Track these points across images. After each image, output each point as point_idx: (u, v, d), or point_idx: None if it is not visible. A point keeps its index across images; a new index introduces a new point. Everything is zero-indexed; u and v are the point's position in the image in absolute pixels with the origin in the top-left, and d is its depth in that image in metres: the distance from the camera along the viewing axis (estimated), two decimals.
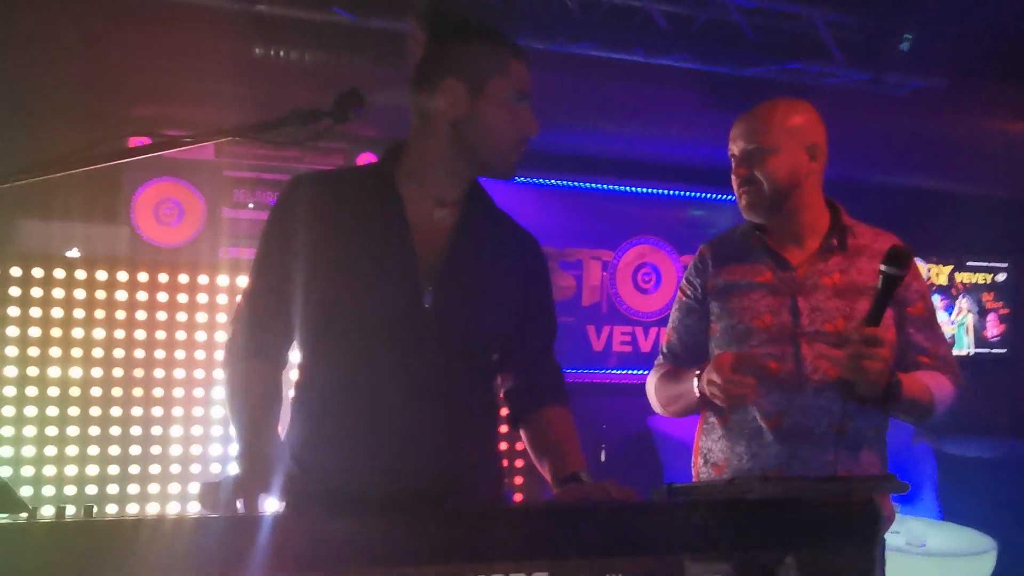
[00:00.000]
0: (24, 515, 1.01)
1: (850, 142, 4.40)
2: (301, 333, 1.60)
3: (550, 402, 1.68)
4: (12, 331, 2.77)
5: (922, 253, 5.27)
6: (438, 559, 1.03)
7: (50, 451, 2.78)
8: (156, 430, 2.86)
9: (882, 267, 1.73)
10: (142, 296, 2.87)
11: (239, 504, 1.31)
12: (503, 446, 3.02)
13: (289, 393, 1.67)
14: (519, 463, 3.11)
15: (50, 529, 0.99)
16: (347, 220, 1.57)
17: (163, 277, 2.89)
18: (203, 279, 2.94)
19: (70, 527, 1.01)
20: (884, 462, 2.00)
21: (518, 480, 3.15)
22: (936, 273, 5.33)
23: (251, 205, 4.22)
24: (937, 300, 5.26)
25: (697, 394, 1.90)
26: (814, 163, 1.95)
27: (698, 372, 1.90)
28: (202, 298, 2.93)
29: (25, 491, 2.73)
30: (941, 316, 5.26)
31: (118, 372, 2.83)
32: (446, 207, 1.62)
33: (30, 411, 2.77)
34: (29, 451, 2.75)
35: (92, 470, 2.81)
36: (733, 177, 1.98)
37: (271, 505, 1.39)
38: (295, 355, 1.66)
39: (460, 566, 1.02)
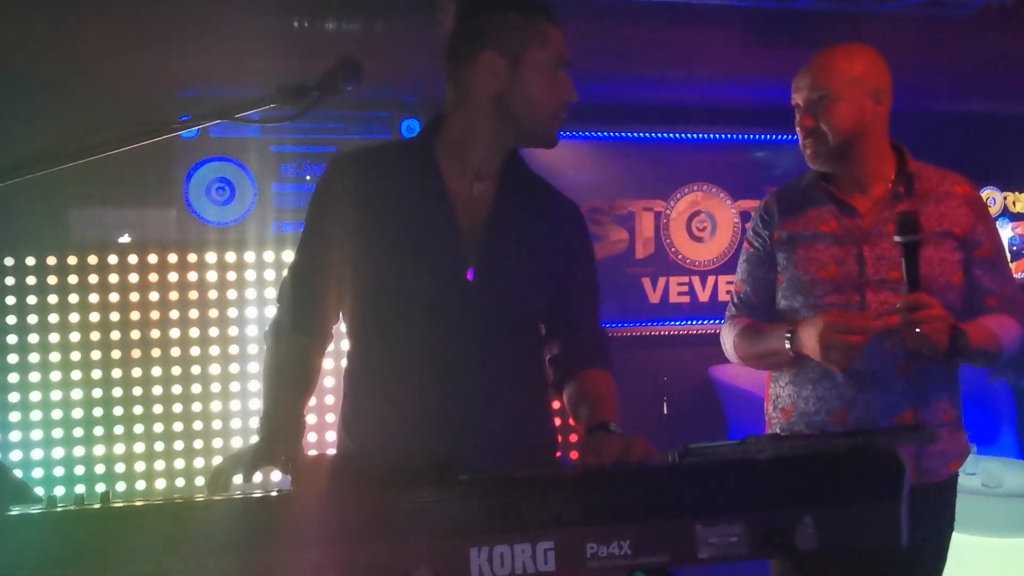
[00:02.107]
0: (40, 506, 1.04)
1: (914, 70, 4.17)
2: (349, 309, 1.63)
3: (592, 366, 1.67)
4: (74, 317, 2.88)
5: (1000, 181, 5.00)
6: (441, 532, 1.02)
7: (122, 429, 2.91)
8: (216, 406, 2.96)
9: (897, 238, 1.78)
10: (192, 276, 2.95)
11: (236, 479, 1.37)
12: (557, 405, 3.03)
13: (342, 365, 1.71)
14: (573, 437, 3.11)
15: (67, 517, 1.02)
16: (389, 196, 1.58)
17: (211, 257, 2.97)
18: (250, 256, 3.00)
19: (89, 514, 1.04)
20: (955, 401, 1.98)
21: (573, 456, 3.16)
22: (1013, 201, 5.06)
23: (308, 178, 4.28)
24: (1009, 230, 5.01)
25: (792, 355, 1.89)
26: (880, 107, 1.93)
27: (788, 333, 1.89)
28: (250, 275, 2.99)
29: (103, 468, 2.87)
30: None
31: (175, 351, 2.93)
32: (485, 180, 1.62)
33: (97, 393, 2.90)
34: (98, 430, 2.89)
35: (159, 446, 2.93)
36: (798, 128, 1.96)
37: (277, 477, 1.42)
38: (342, 328, 1.70)
39: (464, 538, 1.02)
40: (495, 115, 1.56)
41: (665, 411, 4.42)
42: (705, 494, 1.06)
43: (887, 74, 1.96)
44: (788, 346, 1.89)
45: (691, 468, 1.09)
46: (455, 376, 1.55)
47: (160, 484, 2.93)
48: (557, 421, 3.02)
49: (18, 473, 2.80)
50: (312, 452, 1.67)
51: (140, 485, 2.91)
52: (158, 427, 2.92)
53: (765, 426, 2.13)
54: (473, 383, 1.55)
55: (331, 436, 2.97)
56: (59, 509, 1.02)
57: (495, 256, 1.58)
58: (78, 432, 2.88)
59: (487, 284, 1.56)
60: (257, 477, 1.48)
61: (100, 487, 2.85)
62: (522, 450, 1.58)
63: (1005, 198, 5.04)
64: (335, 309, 1.65)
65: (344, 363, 1.69)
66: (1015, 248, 5.06)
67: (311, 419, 3.00)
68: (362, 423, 1.62)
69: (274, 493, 1.06)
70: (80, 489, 2.81)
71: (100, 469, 2.89)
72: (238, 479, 1.38)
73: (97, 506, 1.03)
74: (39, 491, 2.82)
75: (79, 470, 2.88)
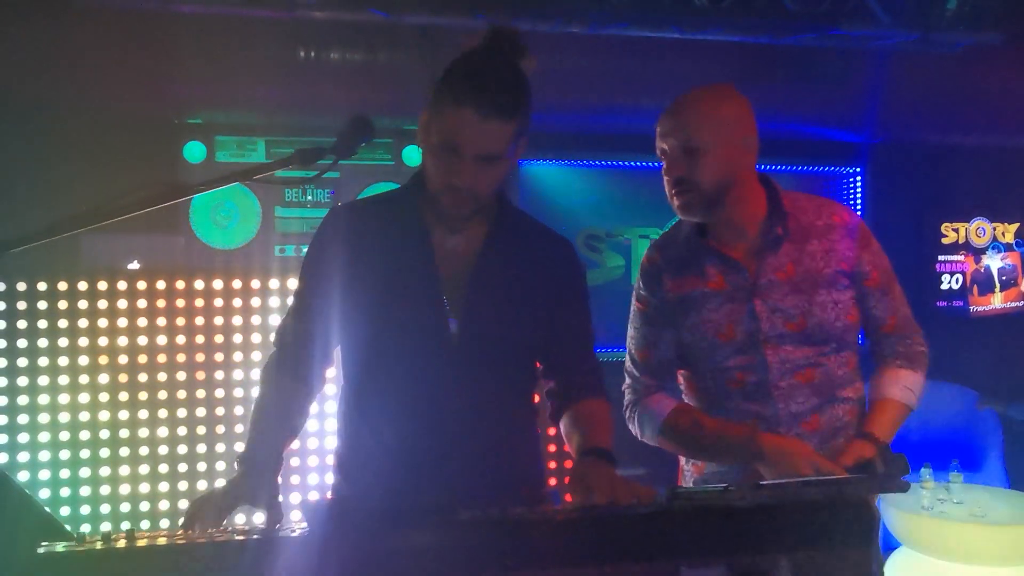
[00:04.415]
0: (70, 542, 1.11)
1: (904, 104, 4.28)
2: (342, 357, 1.71)
3: (588, 397, 1.72)
4: (83, 341, 2.95)
5: (989, 212, 5.10)
6: (441, 570, 1.10)
7: (128, 452, 2.98)
8: (220, 429, 3.03)
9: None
10: (199, 303, 3.02)
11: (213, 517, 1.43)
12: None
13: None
14: (569, 464, 3.18)
15: (97, 556, 1.09)
16: (379, 250, 1.65)
17: (218, 284, 3.04)
18: (255, 283, 3.07)
19: (118, 553, 1.10)
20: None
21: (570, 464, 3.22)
22: (1002, 232, 5.15)
23: (310, 198, 4.36)
24: (998, 260, 5.10)
25: (748, 458, 1.77)
26: (750, 154, 1.86)
27: (752, 449, 1.75)
28: (255, 301, 3.07)
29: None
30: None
31: (181, 376, 3.00)
32: (458, 233, 1.66)
33: (104, 415, 2.96)
34: (104, 453, 2.95)
35: (163, 468, 2.99)
36: (665, 177, 1.86)
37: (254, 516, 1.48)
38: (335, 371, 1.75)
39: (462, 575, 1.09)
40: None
41: None
42: (690, 537, 1.14)
43: (754, 119, 1.86)
44: (750, 460, 1.76)
45: (678, 512, 1.16)
46: (441, 420, 1.61)
47: (163, 505, 2.99)
48: (552, 447, 3.13)
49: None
50: (318, 496, 1.74)
51: (144, 507, 2.97)
52: (163, 450, 2.99)
53: (679, 478, 2.05)
54: (459, 426, 1.61)
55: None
56: (85, 548, 1.09)
57: (477, 306, 1.63)
58: (85, 454, 2.94)
59: (469, 334, 1.62)
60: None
61: (104, 508, 2.94)
62: (510, 486, 1.64)
63: (995, 228, 5.14)
64: (328, 357, 1.72)
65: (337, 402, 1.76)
66: (1004, 277, 5.15)
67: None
68: (355, 463, 1.70)
69: (291, 534, 1.13)
70: (85, 510, 2.89)
71: (105, 490, 2.95)
72: (214, 517, 1.44)
73: (123, 544, 1.10)
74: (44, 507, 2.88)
75: (85, 491, 2.94)
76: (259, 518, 1.55)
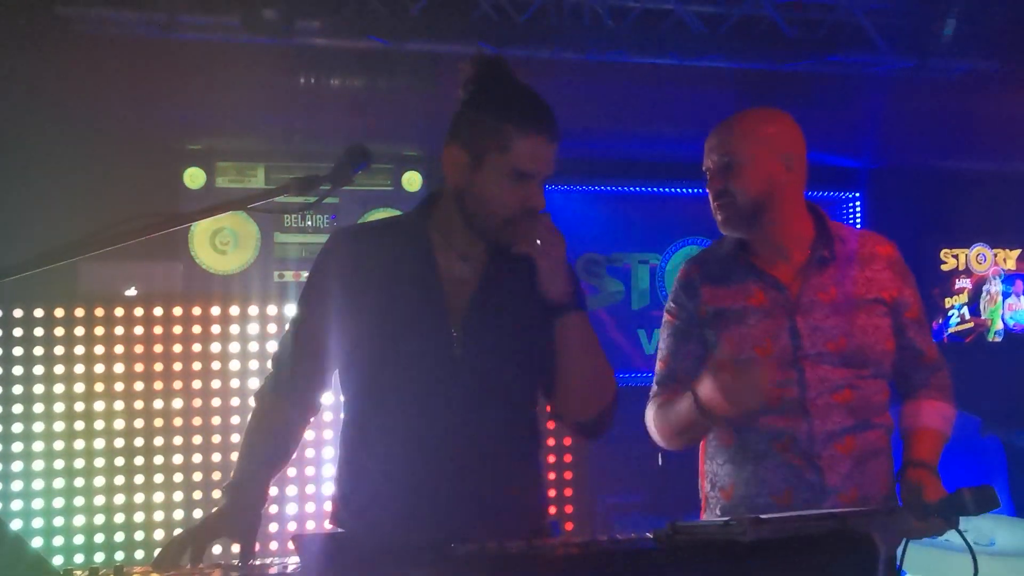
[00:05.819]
0: None
1: (902, 129, 4.30)
2: (343, 381, 1.68)
3: None
4: (79, 368, 2.94)
5: (988, 238, 5.10)
6: None
7: (123, 480, 2.95)
8: (216, 456, 3.00)
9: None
10: (197, 329, 3.01)
11: (185, 556, 1.37)
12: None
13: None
14: (568, 492, 3.16)
15: None
16: (382, 274, 1.64)
17: (215, 310, 3.02)
18: (253, 310, 3.06)
19: None
20: (891, 464, 1.94)
21: (568, 509, 3.20)
22: (1003, 258, 5.15)
23: (309, 223, 4.36)
24: (999, 285, 5.09)
25: (696, 409, 1.72)
26: (791, 173, 1.88)
27: (693, 395, 1.72)
28: (253, 328, 3.05)
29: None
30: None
31: (178, 403, 2.98)
32: (470, 261, 1.66)
33: (99, 443, 2.93)
34: (99, 481, 2.93)
35: (159, 496, 2.96)
36: (708, 191, 1.92)
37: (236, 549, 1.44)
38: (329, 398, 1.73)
39: None
40: (460, 207, 1.62)
41: (660, 462, 4.45)
42: (691, 572, 1.11)
43: (800, 140, 1.90)
44: (696, 408, 1.72)
45: (678, 547, 1.14)
46: (443, 446, 1.59)
47: (159, 535, 2.96)
48: (551, 475, 3.11)
49: (18, 523, 2.83)
50: (314, 530, 1.70)
51: (139, 536, 2.94)
52: (159, 478, 2.96)
53: (702, 506, 2.02)
54: (461, 453, 1.59)
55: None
56: None
57: (481, 331, 1.62)
58: (79, 482, 2.91)
59: (472, 359, 1.61)
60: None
61: (99, 538, 2.91)
62: (514, 513, 1.62)
63: (995, 255, 5.13)
64: (325, 380, 1.70)
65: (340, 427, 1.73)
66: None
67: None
68: (357, 489, 1.66)
69: (285, 570, 1.11)
70: (79, 540, 2.85)
71: (100, 519, 2.92)
72: (189, 553, 1.39)
73: None
74: (37, 541, 2.85)
75: (79, 520, 2.91)
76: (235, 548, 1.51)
